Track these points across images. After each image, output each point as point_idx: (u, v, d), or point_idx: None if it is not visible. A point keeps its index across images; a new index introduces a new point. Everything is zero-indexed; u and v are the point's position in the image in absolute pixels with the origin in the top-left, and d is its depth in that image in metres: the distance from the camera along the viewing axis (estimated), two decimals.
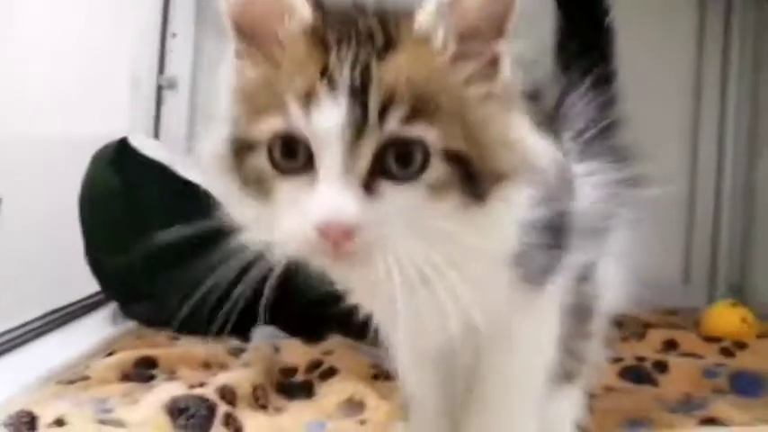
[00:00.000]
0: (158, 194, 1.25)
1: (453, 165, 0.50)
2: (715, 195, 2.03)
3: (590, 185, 0.68)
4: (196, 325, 1.25)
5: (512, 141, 0.53)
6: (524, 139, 0.54)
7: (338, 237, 0.48)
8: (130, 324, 1.29)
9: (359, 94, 0.48)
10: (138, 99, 1.82)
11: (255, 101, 0.53)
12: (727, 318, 1.42)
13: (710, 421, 0.87)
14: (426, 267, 0.50)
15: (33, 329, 1.19)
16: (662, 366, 1.11)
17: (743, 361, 1.20)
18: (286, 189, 0.51)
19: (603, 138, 0.76)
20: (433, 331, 0.60)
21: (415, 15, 0.53)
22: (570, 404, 0.74)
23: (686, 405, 0.96)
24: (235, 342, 1.19)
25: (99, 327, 1.26)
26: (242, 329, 1.24)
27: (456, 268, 0.51)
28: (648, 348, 1.28)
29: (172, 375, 1.01)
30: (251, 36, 0.54)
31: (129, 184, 1.25)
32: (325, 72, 0.49)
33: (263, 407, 0.88)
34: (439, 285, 0.51)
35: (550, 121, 0.66)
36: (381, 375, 1.00)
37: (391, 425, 0.81)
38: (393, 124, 0.48)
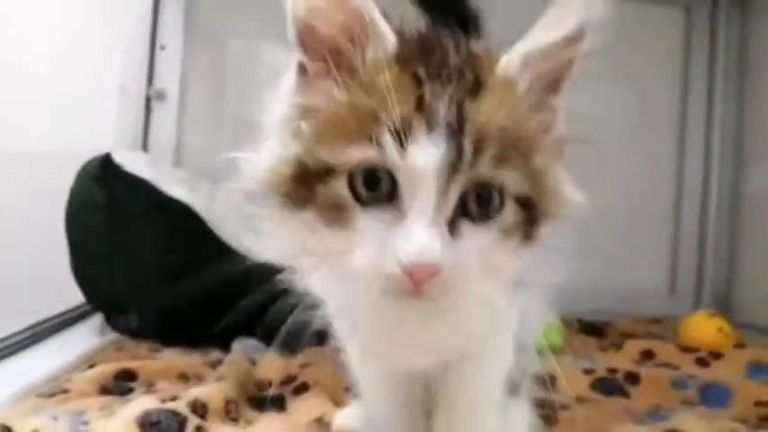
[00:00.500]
0: (141, 210, 1.27)
1: (522, 208, 0.53)
2: (701, 206, 2.05)
3: None
4: (179, 337, 1.29)
5: (559, 189, 0.56)
6: (565, 188, 0.57)
7: (424, 277, 0.48)
8: (113, 336, 1.30)
9: (455, 132, 0.49)
10: (126, 110, 1.84)
11: (338, 125, 0.51)
12: (704, 328, 1.44)
13: None
14: (485, 301, 0.53)
15: (16, 342, 1.20)
16: (633, 378, 1.13)
17: (716, 371, 1.21)
18: (366, 220, 0.51)
19: None
20: (432, 353, 0.63)
21: (498, 58, 0.54)
22: (521, 416, 0.75)
23: (653, 416, 0.98)
24: (215, 354, 1.21)
25: (82, 339, 1.27)
26: (225, 341, 1.26)
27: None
28: (625, 359, 1.30)
29: (150, 388, 1.02)
30: (322, 52, 0.53)
31: (112, 199, 1.26)
32: (420, 107, 0.49)
33: (235, 420, 0.89)
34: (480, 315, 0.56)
35: None
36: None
37: None
38: (483, 166, 0.50)
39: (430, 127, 0.49)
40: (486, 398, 0.70)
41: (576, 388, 1.09)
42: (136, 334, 1.33)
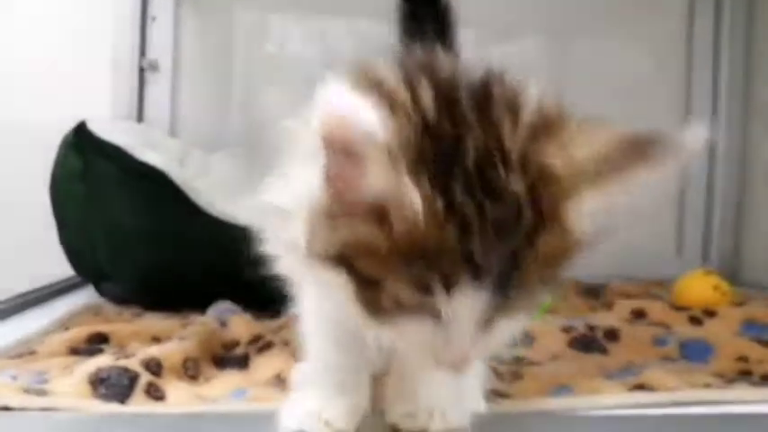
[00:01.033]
0: (115, 176, 1.27)
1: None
2: (708, 164, 1.99)
3: None
4: (163, 303, 1.30)
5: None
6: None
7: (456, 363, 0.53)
8: (92, 301, 1.32)
9: (504, 278, 0.48)
10: (121, 82, 1.85)
11: (375, 254, 0.48)
12: (698, 286, 1.40)
13: (639, 387, 0.86)
14: None
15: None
16: (613, 335, 1.10)
17: (707, 329, 1.18)
18: (406, 320, 0.51)
19: None
20: None
21: (569, 188, 0.49)
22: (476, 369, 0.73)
23: (625, 372, 0.95)
24: (194, 318, 1.21)
25: (64, 306, 1.28)
26: (207, 306, 1.27)
27: None
28: (615, 318, 1.26)
29: (120, 350, 1.03)
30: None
31: (87, 166, 1.27)
32: (470, 258, 0.47)
33: (193, 377, 0.89)
34: None
35: None
36: None
37: None
38: (525, 297, 0.51)
39: (478, 278, 0.48)
40: None
41: (553, 345, 1.06)
42: (124, 301, 1.34)
